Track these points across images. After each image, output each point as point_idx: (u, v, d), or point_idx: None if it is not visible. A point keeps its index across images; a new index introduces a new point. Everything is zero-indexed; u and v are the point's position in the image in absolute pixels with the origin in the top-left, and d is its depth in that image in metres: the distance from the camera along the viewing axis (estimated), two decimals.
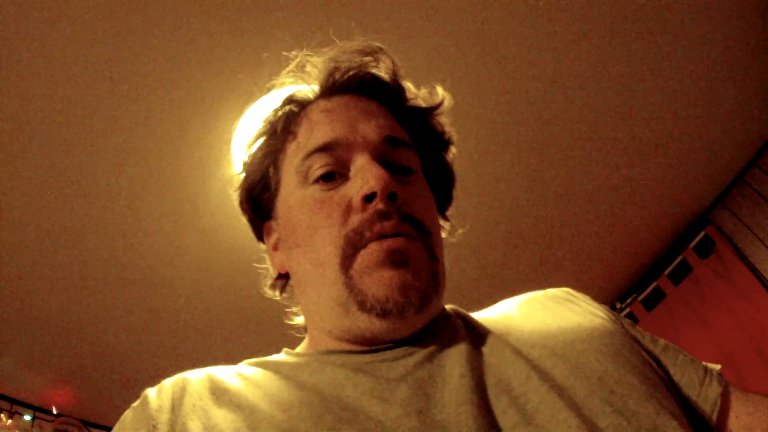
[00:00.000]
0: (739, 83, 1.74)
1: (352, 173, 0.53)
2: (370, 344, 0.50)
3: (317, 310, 0.53)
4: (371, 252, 0.48)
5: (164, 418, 0.45)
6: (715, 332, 2.09)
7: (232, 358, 0.57)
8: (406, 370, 0.47)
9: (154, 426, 0.44)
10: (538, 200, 1.98)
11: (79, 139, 1.47)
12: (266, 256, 0.64)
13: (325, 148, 0.53)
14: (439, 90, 0.62)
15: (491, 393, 0.44)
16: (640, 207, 2.10)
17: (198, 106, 1.45)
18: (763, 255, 1.99)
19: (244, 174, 0.62)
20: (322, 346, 0.53)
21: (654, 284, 2.37)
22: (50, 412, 2.37)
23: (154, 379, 0.53)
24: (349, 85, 0.59)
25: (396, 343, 0.50)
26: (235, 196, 0.64)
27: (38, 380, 2.27)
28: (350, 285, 0.49)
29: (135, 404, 0.49)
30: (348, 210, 0.51)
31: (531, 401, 0.43)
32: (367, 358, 0.49)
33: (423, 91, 0.62)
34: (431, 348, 0.49)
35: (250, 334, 2.12)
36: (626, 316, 2.38)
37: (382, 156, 0.54)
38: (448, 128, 0.64)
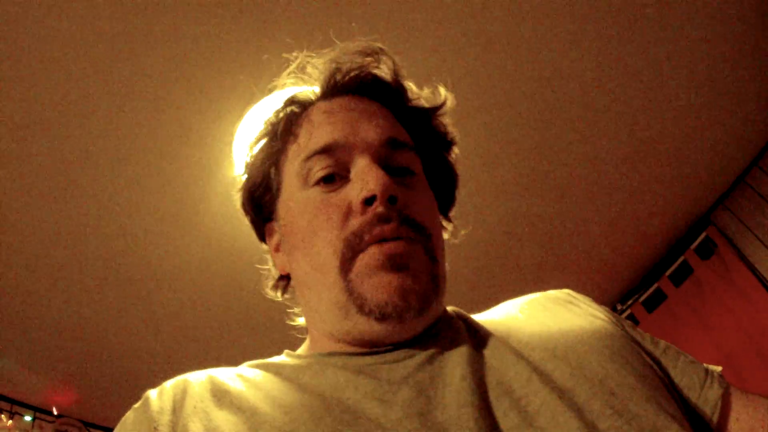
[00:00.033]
0: (740, 84, 1.74)
1: (352, 175, 0.53)
2: (371, 346, 0.50)
3: (317, 312, 0.53)
4: (371, 255, 0.48)
5: (165, 419, 0.45)
6: (715, 333, 2.09)
7: (233, 360, 0.57)
8: (407, 372, 0.47)
9: (155, 428, 0.44)
10: (539, 201, 1.98)
11: (79, 139, 1.47)
12: (268, 256, 0.64)
13: (325, 151, 0.53)
14: (442, 90, 0.62)
15: (492, 395, 0.44)
16: (641, 208, 2.10)
17: (199, 108, 1.45)
18: (764, 256, 1.99)
19: (245, 175, 0.62)
20: (323, 348, 0.53)
21: (655, 285, 2.37)
22: (51, 413, 2.37)
23: (155, 380, 0.53)
24: (350, 86, 0.59)
25: (397, 345, 0.50)
26: (237, 197, 0.64)
27: (39, 381, 2.27)
28: (350, 288, 0.49)
29: (136, 406, 0.49)
30: (348, 213, 0.51)
31: (532, 403, 0.43)
32: (368, 360, 0.49)
33: (425, 91, 0.62)
34: (432, 350, 0.49)
35: (251, 335, 2.12)
36: (627, 317, 2.38)
37: (383, 158, 0.54)
38: (450, 129, 0.63)
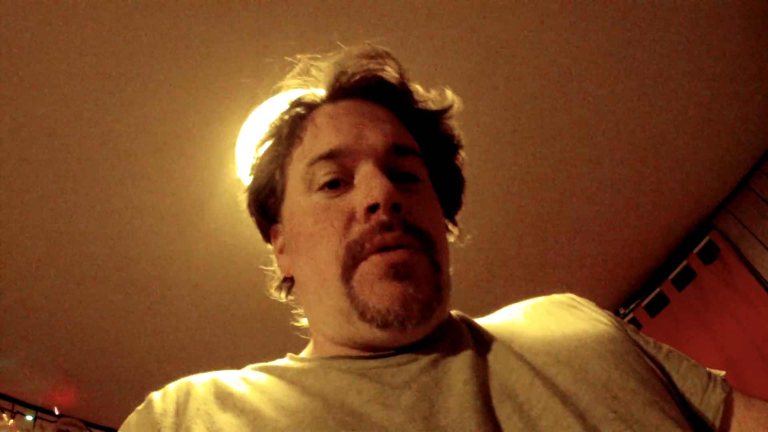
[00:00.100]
0: (743, 88, 1.73)
1: (356, 182, 0.52)
2: (374, 350, 0.50)
3: (320, 315, 0.53)
4: (373, 264, 0.48)
5: (169, 422, 0.45)
6: (718, 337, 2.09)
7: (237, 362, 0.57)
8: (410, 376, 0.47)
9: (158, 430, 0.45)
10: (542, 205, 1.97)
11: (82, 140, 1.47)
12: (273, 258, 0.64)
13: (329, 156, 0.53)
14: (449, 93, 0.62)
15: (495, 399, 0.44)
16: (644, 212, 2.09)
17: (202, 109, 1.46)
18: (767, 260, 1.98)
19: (251, 177, 0.62)
20: (326, 351, 0.53)
21: (658, 290, 2.36)
22: (52, 413, 2.37)
23: (158, 381, 0.53)
24: (356, 90, 0.59)
25: (400, 349, 0.50)
26: (242, 199, 0.64)
27: (40, 380, 2.27)
28: (351, 295, 0.49)
29: (139, 408, 0.49)
30: (351, 219, 0.50)
31: (535, 407, 0.43)
32: (372, 363, 0.49)
33: (432, 94, 0.62)
34: (436, 354, 0.49)
35: (254, 337, 2.12)
36: (630, 321, 2.38)
37: (388, 164, 0.53)
38: (457, 132, 0.63)
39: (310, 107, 0.60)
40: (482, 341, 0.52)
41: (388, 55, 0.60)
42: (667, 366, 0.53)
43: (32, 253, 1.74)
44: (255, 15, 1.29)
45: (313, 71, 0.61)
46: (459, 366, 0.47)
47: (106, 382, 2.32)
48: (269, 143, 0.61)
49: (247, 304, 1.99)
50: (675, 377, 0.53)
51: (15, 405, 2.29)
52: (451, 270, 0.56)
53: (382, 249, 0.49)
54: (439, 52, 1.45)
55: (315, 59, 0.61)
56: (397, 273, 0.48)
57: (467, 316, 0.58)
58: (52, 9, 1.20)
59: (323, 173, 0.53)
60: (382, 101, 0.59)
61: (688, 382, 0.52)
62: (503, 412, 0.43)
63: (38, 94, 1.36)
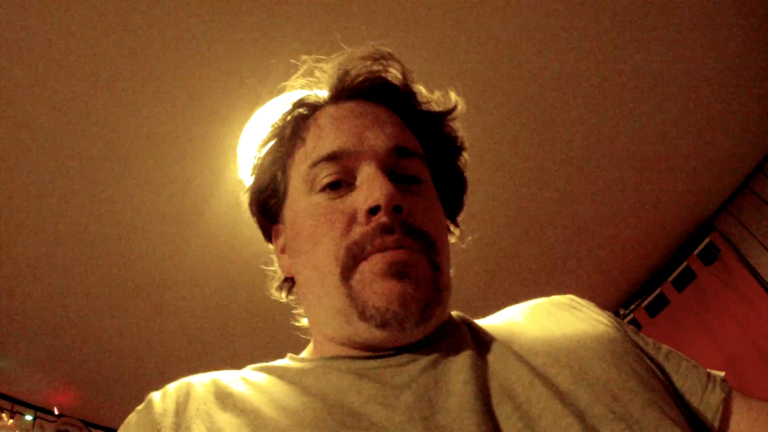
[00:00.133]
0: (744, 89, 1.74)
1: (358, 183, 0.52)
2: (373, 350, 0.51)
3: (319, 316, 0.53)
4: (373, 263, 0.48)
5: (168, 421, 0.45)
6: (719, 338, 2.09)
7: (237, 362, 0.58)
8: (410, 377, 0.47)
9: (158, 430, 0.45)
10: (542, 207, 1.98)
11: (83, 140, 1.47)
12: (274, 257, 0.64)
13: (331, 158, 0.53)
14: (452, 95, 0.62)
15: (495, 399, 0.44)
16: (645, 213, 2.09)
17: (204, 110, 1.46)
18: (767, 261, 1.98)
19: (253, 178, 0.62)
20: (326, 352, 0.54)
21: (658, 291, 2.36)
22: (52, 413, 2.37)
23: (157, 381, 0.53)
24: (359, 91, 0.59)
25: (400, 350, 0.50)
26: (244, 199, 0.64)
27: (40, 380, 2.27)
28: (351, 295, 0.49)
29: (139, 408, 0.49)
30: (352, 221, 0.51)
31: (534, 408, 0.43)
32: (372, 364, 0.49)
33: (436, 95, 0.62)
34: (436, 354, 0.49)
35: (254, 337, 2.12)
36: (630, 322, 2.37)
37: (390, 166, 0.54)
38: (460, 134, 0.63)
39: (313, 108, 0.60)
40: (482, 342, 0.52)
41: (391, 56, 0.60)
42: (667, 366, 0.54)
43: (32, 253, 1.74)
44: (258, 16, 1.29)
45: (317, 72, 0.61)
46: (459, 366, 0.47)
47: (105, 382, 2.33)
48: (271, 144, 0.61)
49: (247, 304, 1.99)
50: (674, 378, 0.53)
51: (14, 405, 2.29)
52: (452, 271, 0.56)
53: (382, 250, 0.49)
54: (440, 53, 1.45)
55: (318, 60, 0.61)
56: (396, 271, 0.48)
57: (467, 316, 0.59)
58: (52, 9, 1.20)
59: (325, 174, 0.53)
60: (386, 103, 0.59)
61: (687, 383, 0.52)
62: (503, 412, 0.43)
63: (38, 94, 1.36)
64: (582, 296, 0.62)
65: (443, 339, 0.52)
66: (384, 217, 0.49)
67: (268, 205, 0.61)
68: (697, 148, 1.89)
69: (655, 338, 0.58)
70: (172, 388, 0.50)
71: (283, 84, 0.64)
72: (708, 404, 0.51)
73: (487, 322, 0.59)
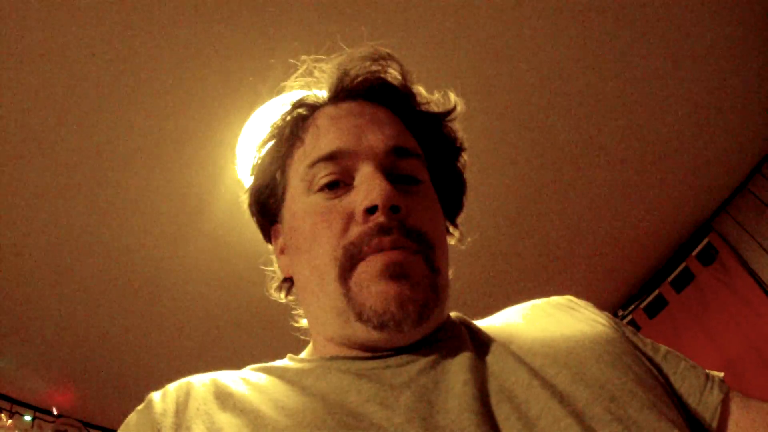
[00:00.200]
0: (742, 91, 1.74)
1: (356, 183, 0.52)
2: (372, 351, 0.51)
3: (318, 316, 0.54)
4: (370, 264, 0.48)
5: (168, 421, 0.45)
6: (717, 339, 2.09)
7: (236, 363, 0.58)
8: (409, 377, 0.47)
9: (158, 430, 0.45)
10: (541, 208, 1.98)
11: (83, 141, 1.47)
12: (273, 258, 0.64)
13: (330, 158, 0.53)
14: (452, 96, 0.62)
15: (494, 400, 0.45)
16: (643, 214, 2.10)
17: (204, 110, 1.46)
18: (766, 262, 1.99)
19: (252, 178, 0.62)
20: (326, 352, 0.54)
21: (656, 292, 2.37)
22: (50, 413, 2.37)
23: (156, 382, 0.53)
24: (358, 91, 0.59)
25: (399, 350, 0.50)
26: (244, 199, 0.64)
27: (39, 381, 2.27)
28: (348, 296, 0.49)
29: (139, 408, 0.49)
30: (349, 221, 0.51)
31: (533, 408, 0.43)
32: (371, 364, 0.49)
33: (436, 96, 0.62)
34: (435, 355, 0.49)
35: (253, 338, 2.12)
36: (629, 323, 2.38)
37: (388, 166, 0.54)
38: (460, 135, 0.63)
39: (313, 108, 0.60)
40: (481, 343, 0.52)
41: (390, 57, 0.60)
42: (665, 367, 0.54)
43: (31, 253, 1.74)
44: (258, 16, 1.29)
45: (316, 73, 0.61)
46: (458, 367, 0.47)
47: (104, 383, 2.32)
48: (271, 144, 0.61)
49: (247, 304, 1.99)
50: (673, 378, 0.53)
51: (13, 405, 2.29)
52: (451, 272, 0.56)
53: (379, 250, 0.49)
54: (440, 53, 1.45)
55: (318, 61, 0.61)
56: (394, 273, 0.48)
57: (466, 317, 0.59)
58: (52, 9, 1.20)
59: (323, 174, 0.53)
60: (385, 103, 0.59)
61: (685, 383, 0.52)
62: (501, 412, 0.43)
63: (38, 94, 1.36)
64: (580, 297, 0.62)
65: (442, 340, 0.52)
66: (381, 217, 0.49)
67: (267, 206, 0.61)
68: (695, 149, 1.89)
69: (654, 339, 0.58)
70: (172, 388, 0.50)
71: (283, 84, 0.64)
72: (706, 405, 0.51)
73: (486, 323, 0.59)
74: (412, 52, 1.42)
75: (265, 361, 0.55)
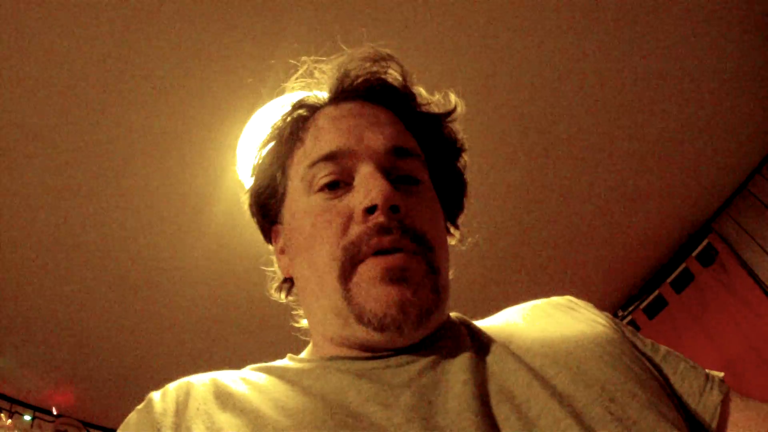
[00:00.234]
0: (742, 92, 1.74)
1: (355, 183, 0.52)
2: (372, 351, 0.51)
3: (318, 316, 0.54)
4: (370, 268, 0.48)
5: (168, 421, 0.45)
6: (717, 340, 2.09)
7: (236, 362, 0.58)
8: (409, 377, 0.47)
9: (158, 429, 0.45)
10: (541, 208, 1.98)
11: (83, 141, 1.48)
12: (274, 258, 0.64)
13: (329, 158, 0.53)
14: (452, 96, 0.62)
15: (493, 400, 0.45)
16: (643, 215, 2.10)
17: (204, 110, 1.46)
18: (766, 263, 1.99)
19: (253, 178, 0.62)
20: (325, 352, 0.54)
21: (656, 292, 2.37)
22: (50, 413, 2.37)
23: (157, 381, 0.53)
24: (359, 92, 0.59)
25: (399, 350, 0.50)
26: (244, 199, 0.64)
27: (38, 380, 2.27)
28: (348, 297, 0.49)
29: (139, 407, 0.49)
30: (349, 220, 0.51)
31: (533, 409, 0.43)
32: (371, 364, 0.49)
33: (436, 97, 0.62)
34: (435, 355, 0.49)
35: (253, 338, 2.12)
36: (628, 323, 2.37)
37: (388, 166, 0.54)
38: (460, 135, 0.63)
39: (313, 109, 0.60)
40: (481, 343, 0.52)
41: (391, 57, 0.60)
42: (665, 367, 0.54)
43: (31, 253, 1.74)
44: (258, 16, 1.29)
45: (316, 73, 0.61)
46: (458, 367, 0.47)
47: (104, 382, 2.32)
48: (271, 145, 0.61)
49: (247, 305, 1.99)
50: (672, 379, 0.53)
51: (13, 405, 2.29)
52: (451, 272, 0.56)
53: (379, 252, 0.49)
54: (440, 53, 1.45)
55: (318, 61, 0.61)
56: (393, 277, 0.48)
57: (466, 318, 0.59)
58: (52, 9, 1.20)
59: (323, 174, 0.53)
60: (385, 104, 0.59)
61: (685, 384, 0.52)
62: (501, 413, 0.43)
63: (39, 94, 1.36)
64: (580, 297, 0.62)
65: (442, 340, 0.52)
66: (381, 217, 0.49)
67: (267, 206, 0.61)
68: (695, 150, 1.89)
69: (654, 340, 0.57)
70: (172, 387, 0.50)
71: (283, 85, 0.64)
72: (706, 405, 0.51)
73: (486, 323, 0.59)
74: (412, 53, 1.43)
75: (265, 361, 0.55)
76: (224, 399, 0.47)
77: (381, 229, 0.49)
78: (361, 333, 0.49)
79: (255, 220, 0.64)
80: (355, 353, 0.51)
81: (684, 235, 2.25)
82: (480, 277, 2.14)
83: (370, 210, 0.50)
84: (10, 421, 2.20)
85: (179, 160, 1.56)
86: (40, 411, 2.35)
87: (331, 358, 0.51)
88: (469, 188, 0.65)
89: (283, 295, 0.63)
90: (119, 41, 1.29)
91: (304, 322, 0.62)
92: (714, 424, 0.50)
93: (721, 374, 0.55)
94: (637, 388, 0.46)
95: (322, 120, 0.57)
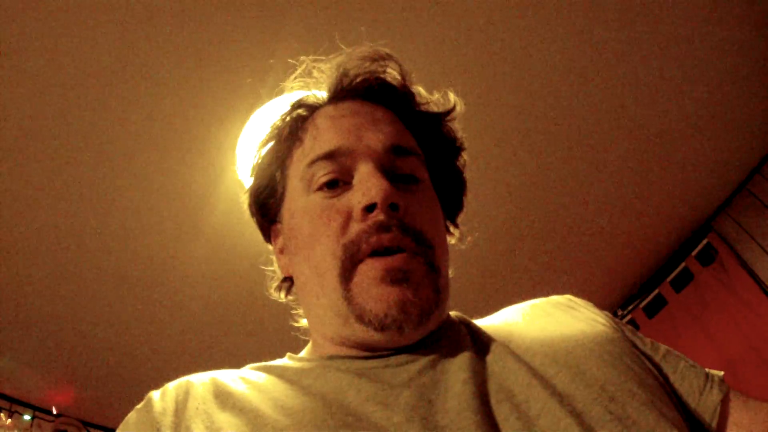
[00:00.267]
0: (742, 91, 1.74)
1: (354, 182, 0.52)
2: (372, 351, 0.51)
3: (318, 315, 0.54)
4: (370, 268, 0.48)
5: (168, 421, 0.45)
6: (717, 339, 2.09)
7: (236, 362, 0.58)
8: (409, 376, 0.47)
9: (158, 429, 0.45)
10: (541, 208, 1.98)
11: (83, 140, 1.47)
12: (273, 258, 0.64)
13: (328, 156, 0.53)
14: (451, 95, 0.62)
15: (493, 400, 0.45)
16: (643, 214, 2.10)
17: (204, 110, 1.46)
18: (765, 263, 1.99)
19: (252, 178, 0.62)
20: (325, 351, 0.54)
21: (656, 291, 2.36)
22: (50, 412, 2.37)
23: (155, 381, 0.53)
24: (358, 91, 0.59)
25: (399, 350, 0.50)
26: (244, 199, 0.64)
27: (38, 380, 2.27)
28: (349, 297, 0.49)
29: (139, 406, 0.49)
30: (348, 219, 0.51)
31: (532, 408, 0.43)
32: (371, 363, 0.49)
33: (435, 96, 0.62)
34: (435, 354, 0.49)
35: (253, 337, 2.12)
36: (628, 323, 2.37)
37: (387, 165, 0.54)
38: (459, 134, 0.63)
39: (312, 108, 0.60)
40: (481, 342, 0.52)
41: (390, 57, 0.60)
42: (665, 367, 0.54)
43: (31, 253, 1.74)
44: (258, 16, 1.29)
45: (315, 73, 0.61)
46: (457, 367, 0.47)
47: (104, 382, 2.32)
48: (270, 144, 0.61)
49: (246, 304, 1.99)
50: (672, 378, 0.53)
51: (13, 404, 2.29)
52: (451, 272, 0.56)
53: (378, 251, 0.49)
54: (440, 53, 1.45)
55: (317, 61, 0.61)
56: (394, 277, 0.48)
57: (466, 317, 0.59)
58: (52, 9, 1.20)
59: (322, 173, 0.53)
60: (384, 103, 0.59)
61: (685, 383, 0.52)
62: (501, 412, 0.43)
63: (39, 94, 1.36)
64: (580, 297, 0.62)
65: (442, 339, 0.52)
66: (380, 215, 0.49)
67: (267, 205, 0.61)
68: (695, 150, 1.89)
69: (653, 339, 0.58)
70: (172, 386, 0.50)
71: (282, 85, 0.64)
72: (706, 405, 0.51)
73: (486, 323, 0.59)
74: (412, 52, 1.42)
75: (265, 361, 0.55)
76: (224, 398, 0.47)
77: (381, 227, 0.49)
78: (361, 332, 0.49)
79: (254, 219, 0.64)
80: (354, 352, 0.51)
81: (684, 235, 2.25)
82: (480, 277, 2.14)
83: (369, 208, 0.50)
84: (9, 420, 2.20)
85: (179, 160, 1.56)
86: (39, 410, 2.35)
87: (331, 358, 0.51)
88: (469, 187, 0.65)
89: (282, 295, 0.64)
90: (119, 41, 1.28)
91: (303, 322, 0.62)
92: (714, 424, 0.50)
93: (721, 373, 0.55)
94: (636, 388, 0.46)
95: (321, 119, 0.57)
